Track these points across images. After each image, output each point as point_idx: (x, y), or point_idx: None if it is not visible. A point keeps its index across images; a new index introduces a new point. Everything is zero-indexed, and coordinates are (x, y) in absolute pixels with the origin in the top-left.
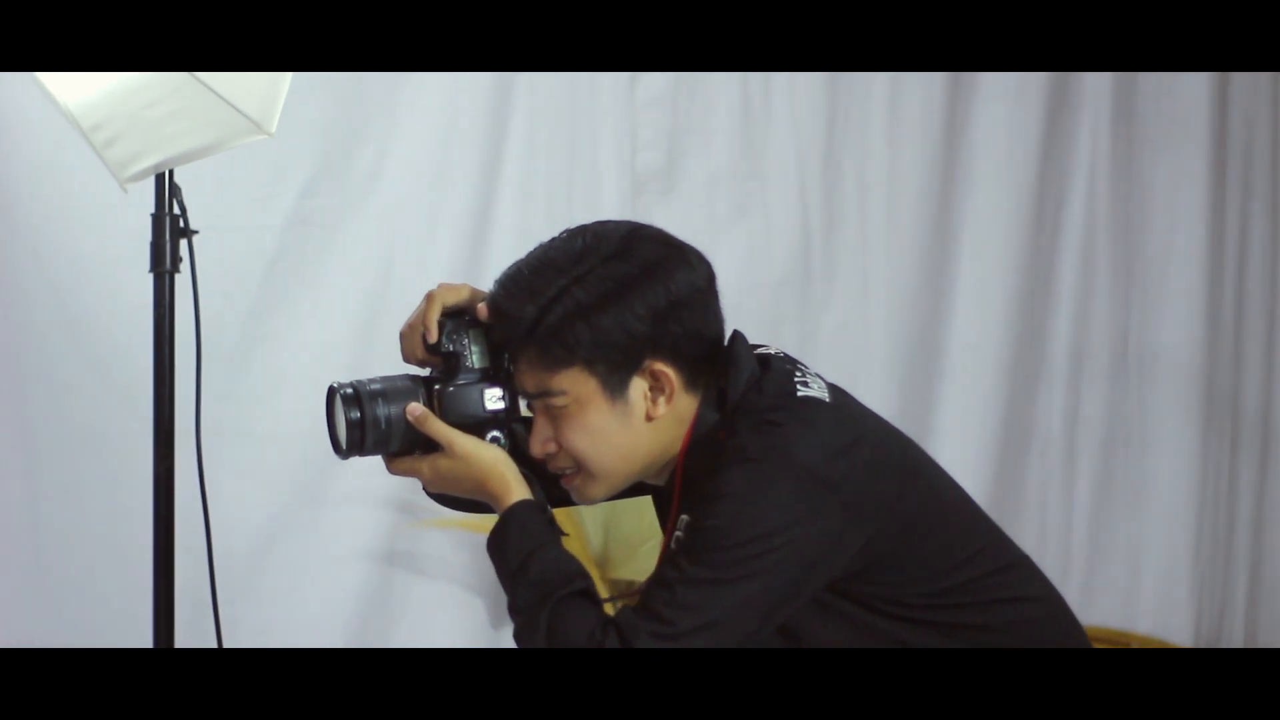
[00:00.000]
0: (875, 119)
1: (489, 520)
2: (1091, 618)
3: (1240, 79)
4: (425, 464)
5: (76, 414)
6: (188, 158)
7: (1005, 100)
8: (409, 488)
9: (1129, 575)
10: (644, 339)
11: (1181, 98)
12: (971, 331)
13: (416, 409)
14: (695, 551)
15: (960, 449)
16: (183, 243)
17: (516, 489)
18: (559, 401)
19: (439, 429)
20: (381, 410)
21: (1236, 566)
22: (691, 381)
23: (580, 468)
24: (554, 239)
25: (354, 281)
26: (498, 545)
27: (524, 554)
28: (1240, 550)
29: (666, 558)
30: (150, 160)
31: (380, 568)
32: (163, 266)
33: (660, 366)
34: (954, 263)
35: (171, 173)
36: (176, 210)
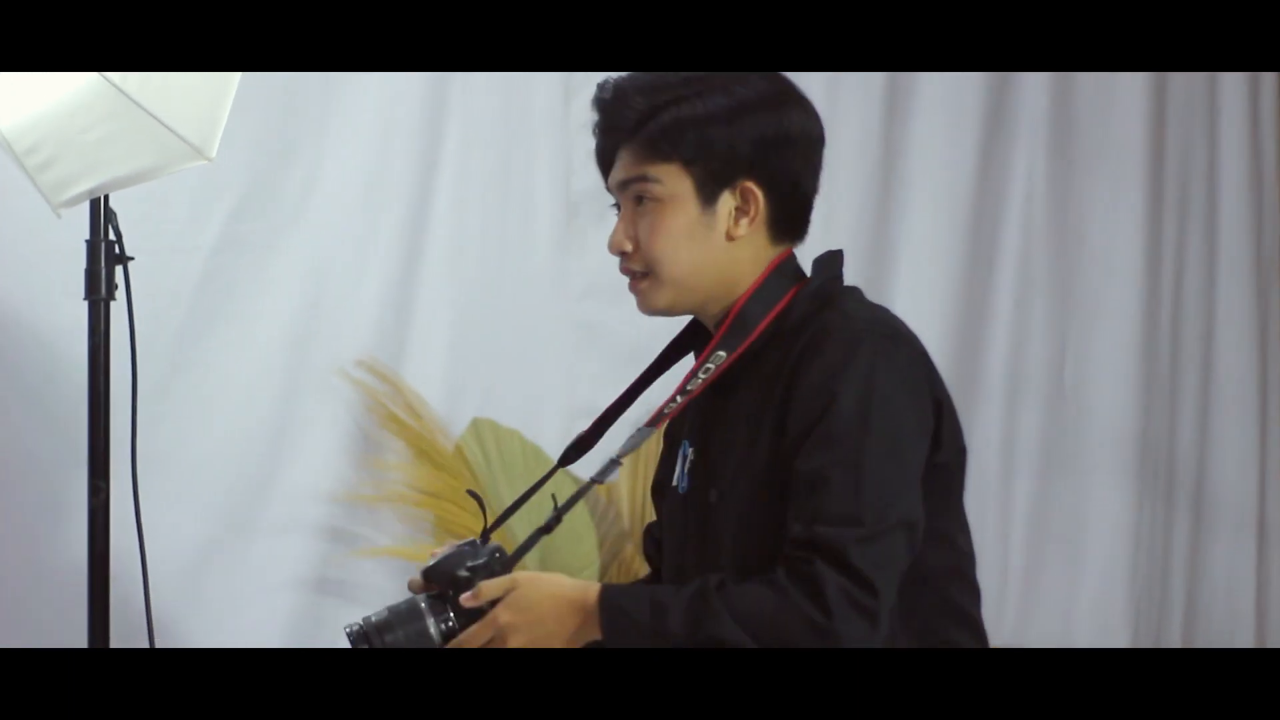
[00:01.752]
0: None
1: (425, 548)
2: (1028, 639)
3: (1177, 99)
4: (499, 611)
5: (4, 441)
6: (125, 182)
7: (941, 120)
8: (340, 515)
9: (1065, 598)
10: (746, 159)
11: (1118, 119)
12: None
13: (469, 597)
14: (841, 445)
15: None
16: (118, 269)
17: (591, 581)
18: (652, 190)
19: (496, 583)
20: (392, 637)
21: (1173, 589)
22: (774, 225)
23: (650, 271)
24: None
25: (285, 306)
26: (624, 619)
27: (649, 603)
28: (1176, 573)
29: (812, 461)
30: (86, 185)
31: (312, 596)
32: (98, 294)
33: (752, 186)
34: (890, 284)
35: (107, 198)
36: (112, 236)
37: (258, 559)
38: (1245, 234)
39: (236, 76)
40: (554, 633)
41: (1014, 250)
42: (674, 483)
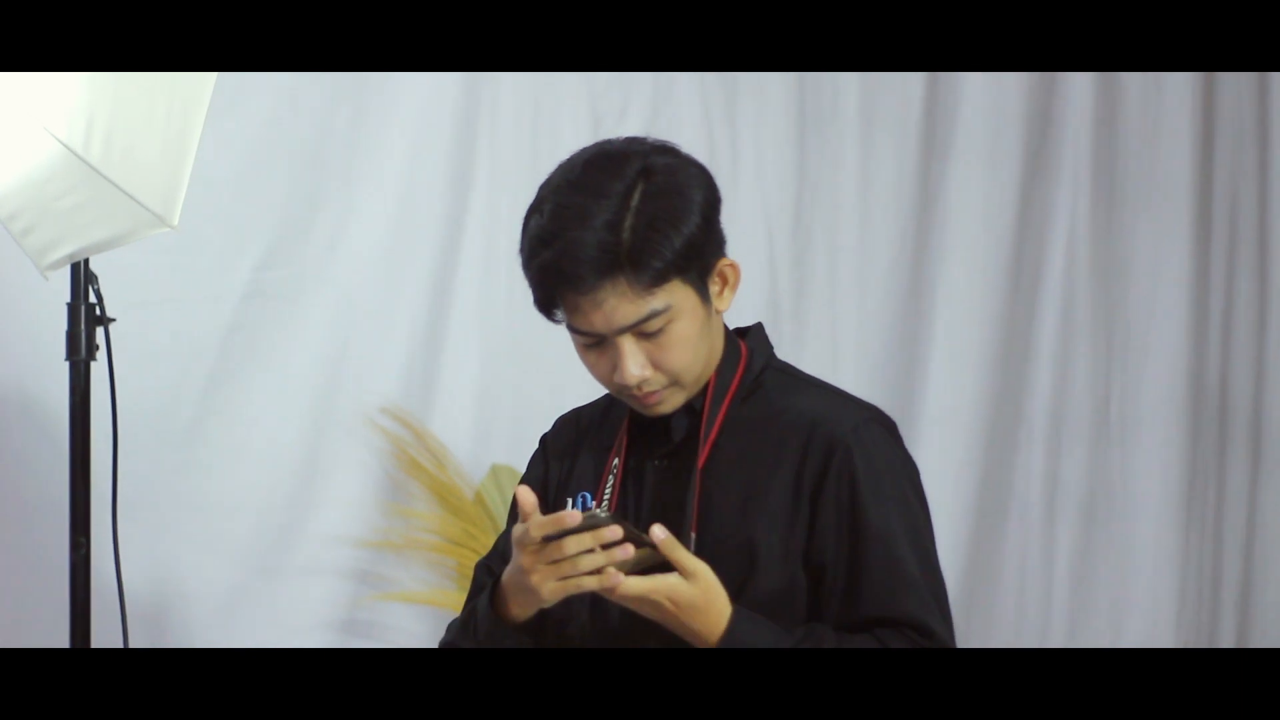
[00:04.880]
0: (846, 184)
1: (449, 595)
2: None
3: (1224, 135)
4: (678, 583)
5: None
6: (101, 247)
7: (980, 163)
8: (368, 559)
9: (1111, 641)
10: (720, 242)
11: (1163, 157)
12: (947, 395)
13: (660, 531)
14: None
15: (936, 513)
16: (99, 330)
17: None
18: (661, 321)
19: (687, 557)
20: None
21: (1222, 633)
22: None
23: (673, 382)
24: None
25: (311, 353)
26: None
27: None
28: (1226, 616)
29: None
30: (65, 249)
31: (340, 639)
32: (78, 355)
33: (727, 260)
34: (928, 327)
35: (87, 262)
36: (92, 299)
37: (286, 602)
38: None
39: (194, 146)
40: (690, 632)
41: (1057, 290)
42: None
